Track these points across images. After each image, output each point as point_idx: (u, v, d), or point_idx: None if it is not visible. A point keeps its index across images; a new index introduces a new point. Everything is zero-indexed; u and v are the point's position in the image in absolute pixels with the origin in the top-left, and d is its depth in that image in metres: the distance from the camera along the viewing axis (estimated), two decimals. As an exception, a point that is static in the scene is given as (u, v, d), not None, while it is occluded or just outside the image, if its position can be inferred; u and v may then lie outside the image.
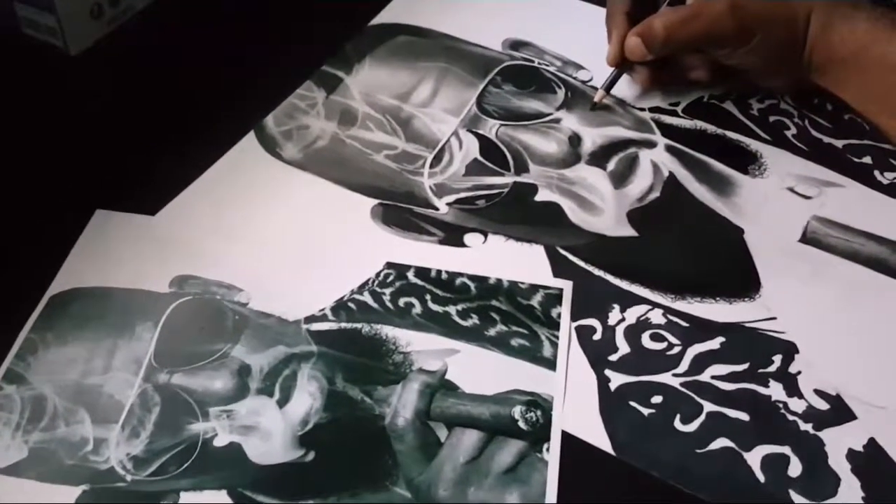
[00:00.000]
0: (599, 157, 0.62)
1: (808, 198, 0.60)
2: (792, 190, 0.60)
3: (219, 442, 0.46)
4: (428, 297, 0.53)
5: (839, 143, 0.64)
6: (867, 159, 0.63)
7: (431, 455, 0.46)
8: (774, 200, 0.60)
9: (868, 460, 0.46)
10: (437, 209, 0.59)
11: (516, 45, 0.71)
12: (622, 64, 0.63)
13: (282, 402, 0.48)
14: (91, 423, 0.47)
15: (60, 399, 0.48)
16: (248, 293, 0.53)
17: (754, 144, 0.63)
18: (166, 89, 0.65)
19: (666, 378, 0.50)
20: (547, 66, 0.69)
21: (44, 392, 0.48)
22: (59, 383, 0.48)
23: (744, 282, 0.55)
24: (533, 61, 0.70)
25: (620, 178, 0.60)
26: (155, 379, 0.48)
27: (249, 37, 0.70)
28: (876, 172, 0.62)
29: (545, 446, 0.46)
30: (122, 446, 0.46)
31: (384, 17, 0.73)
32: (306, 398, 0.48)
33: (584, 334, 0.52)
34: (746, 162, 0.62)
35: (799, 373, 0.50)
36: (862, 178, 0.61)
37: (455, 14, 0.73)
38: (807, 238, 0.57)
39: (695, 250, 0.57)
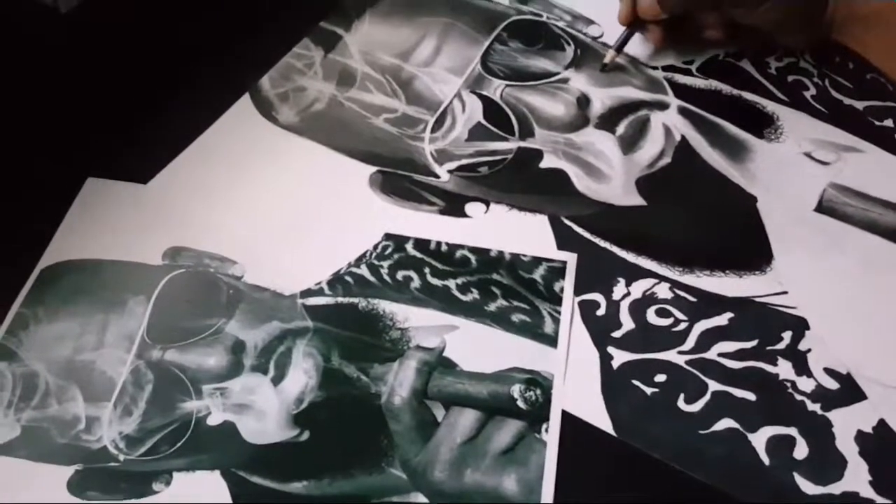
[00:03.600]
0: (608, 120, 0.59)
1: (825, 164, 0.57)
2: (809, 155, 0.58)
3: (212, 421, 0.45)
4: (427, 270, 0.51)
5: (860, 105, 0.61)
6: (889, 122, 0.60)
7: (428, 435, 0.45)
8: (790, 166, 0.57)
9: (877, 442, 0.45)
10: (437, 177, 0.57)
11: (524, -2, 0.68)
12: (634, 23, 0.60)
13: (276, 380, 0.47)
14: (83, 401, 0.46)
15: (52, 376, 0.47)
16: (243, 266, 0.51)
17: (771, 106, 0.60)
18: (159, 48, 0.63)
19: (671, 356, 0.48)
20: (556, 20, 0.66)
21: (36, 369, 0.47)
22: (50, 360, 0.47)
23: (755, 254, 0.53)
24: (541, 16, 0.66)
25: (630, 143, 0.58)
26: (147, 355, 0.47)
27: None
28: (898, 136, 0.59)
29: (544, 426, 0.45)
30: (115, 425, 0.45)
31: (386, -32, 0.70)
32: (301, 376, 0.47)
33: (587, 309, 0.50)
34: (762, 125, 0.59)
35: (809, 350, 0.48)
36: (883, 142, 0.59)
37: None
38: (822, 207, 0.55)
39: (705, 220, 0.54)
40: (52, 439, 0.45)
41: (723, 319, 0.50)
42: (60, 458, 0.44)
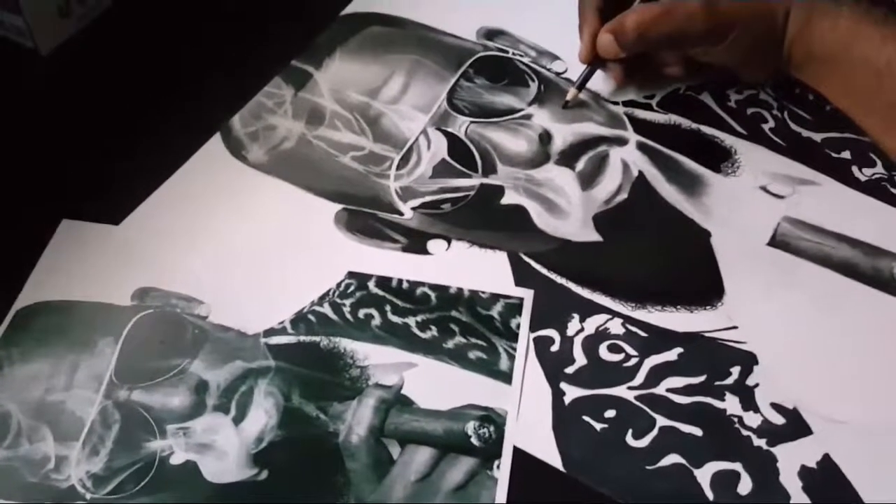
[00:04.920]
0: (569, 156, 0.61)
1: (780, 197, 0.59)
2: (765, 189, 0.59)
3: (175, 460, 0.47)
4: (388, 308, 0.53)
5: (818, 137, 0.62)
6: (846, 154, 0.61)
7: (383, 473, 0.47)
8: (746, 201, 0.58)
9: (821, 477, 0.46)
10: (401, 214, 0.58)
11: (491, 33, 0.69)
12: (595, 61, 0.62)
13: (237, 420, 0.48)
14: (53, 441, 0.48)
15: (24, 416, 0.49)
16: (209, 305, 0.53)
17: (729, 140, 0.62)
18: (134, 89, 0.65)
19: (621, 391, 0.50)
20: (521, 56, 0.68)
21: (8, 409, 0.49)
22: (23, 400, 0.49)
23: (707, 289, 0.54)
24: (507, 52, 0.68)
25: (589, 179, 0.59)
26: (115, 395, 0.49)
27: (219, 32, 0.69)
28: (854, 168, 0.60)
29: (496, 463, 0.47)
30: (83, 464, 0.47)
31: (357, 5, 0.71)
32: (262, 415, 0.48)
33: (542, 346, 0.52)
34: (720, 159, 0.61)
35: (756, 385, 0.50)
36: (839, 174, 0.60)
37: (430, 1, 0.71)
38: (776, 241, 0.56)
39: (659, 256, 0.56)
40: (23, 478, 0.47)
41: (672, 355, 0.51)
42: (30, 496, 0.46)
